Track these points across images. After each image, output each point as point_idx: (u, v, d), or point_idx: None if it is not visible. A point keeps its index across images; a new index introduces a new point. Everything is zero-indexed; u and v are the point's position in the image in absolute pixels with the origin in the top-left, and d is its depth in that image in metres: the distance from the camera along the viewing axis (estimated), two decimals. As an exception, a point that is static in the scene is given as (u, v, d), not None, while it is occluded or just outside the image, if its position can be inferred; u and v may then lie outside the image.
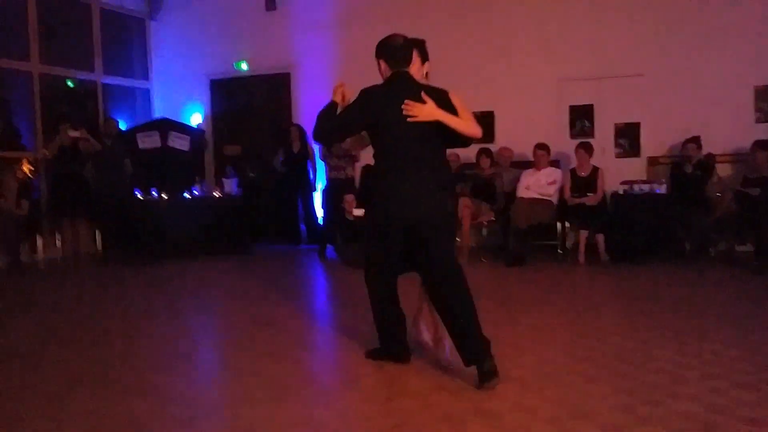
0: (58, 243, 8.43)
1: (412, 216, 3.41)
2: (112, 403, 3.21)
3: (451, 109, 3.46)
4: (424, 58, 3.78)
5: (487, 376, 3.19)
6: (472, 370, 3.27)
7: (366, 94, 3.53)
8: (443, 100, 3.47)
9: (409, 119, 3.37)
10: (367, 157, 8.69)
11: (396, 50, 3.54)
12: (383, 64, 3.57)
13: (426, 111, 3.38)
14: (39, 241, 8.40)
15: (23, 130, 9.10)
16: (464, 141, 3.57)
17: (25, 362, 4.05)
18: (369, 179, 3.97)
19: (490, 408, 2.96)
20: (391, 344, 3.69)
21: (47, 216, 8.66)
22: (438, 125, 3.41)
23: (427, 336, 3.81)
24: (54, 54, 9.26)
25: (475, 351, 3.26)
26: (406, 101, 3.36)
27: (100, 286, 6.87)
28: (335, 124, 3.57)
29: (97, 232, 8.80)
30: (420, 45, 3.73)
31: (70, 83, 9.82)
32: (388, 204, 3.46)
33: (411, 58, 3.58)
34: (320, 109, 3.61)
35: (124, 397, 3.30)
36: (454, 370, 3.48)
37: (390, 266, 3.59)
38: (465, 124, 3.46)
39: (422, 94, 3.41)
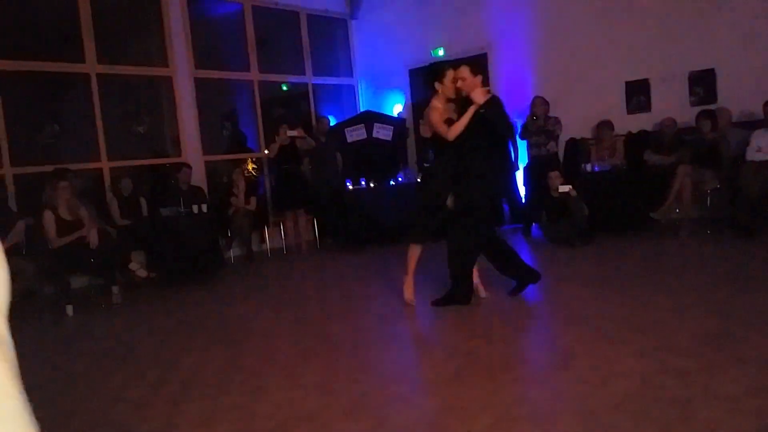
0: (282, 233, 9.24)
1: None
2: (339, 378, 3.46)
3: None
4: None
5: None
6: (701, 353, 3.11)
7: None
8: None
9: None
10: (572, 130, 8.44)
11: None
12: (480, 78, 4.94)
13: None
14: (266, 232, 9.29)
15: (248, 133, 10.13)
16: None
17: (261, 338, 4.53)
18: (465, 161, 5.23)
19: (721, 391, 2.71)
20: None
21: (272, 210, 9.56)
22: None
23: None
24: (269, 62, 10.14)
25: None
26: None
27: (319, 272, 7.44)
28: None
29: (314, 221, 9.52)
30: None
31: (284, 87, 10.70)
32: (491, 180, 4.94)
33: None
34: (502, 107, 5.02)
35: (348, 372, 3.54)
36: (680, 351, 3.25)
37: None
38: None
39: None
